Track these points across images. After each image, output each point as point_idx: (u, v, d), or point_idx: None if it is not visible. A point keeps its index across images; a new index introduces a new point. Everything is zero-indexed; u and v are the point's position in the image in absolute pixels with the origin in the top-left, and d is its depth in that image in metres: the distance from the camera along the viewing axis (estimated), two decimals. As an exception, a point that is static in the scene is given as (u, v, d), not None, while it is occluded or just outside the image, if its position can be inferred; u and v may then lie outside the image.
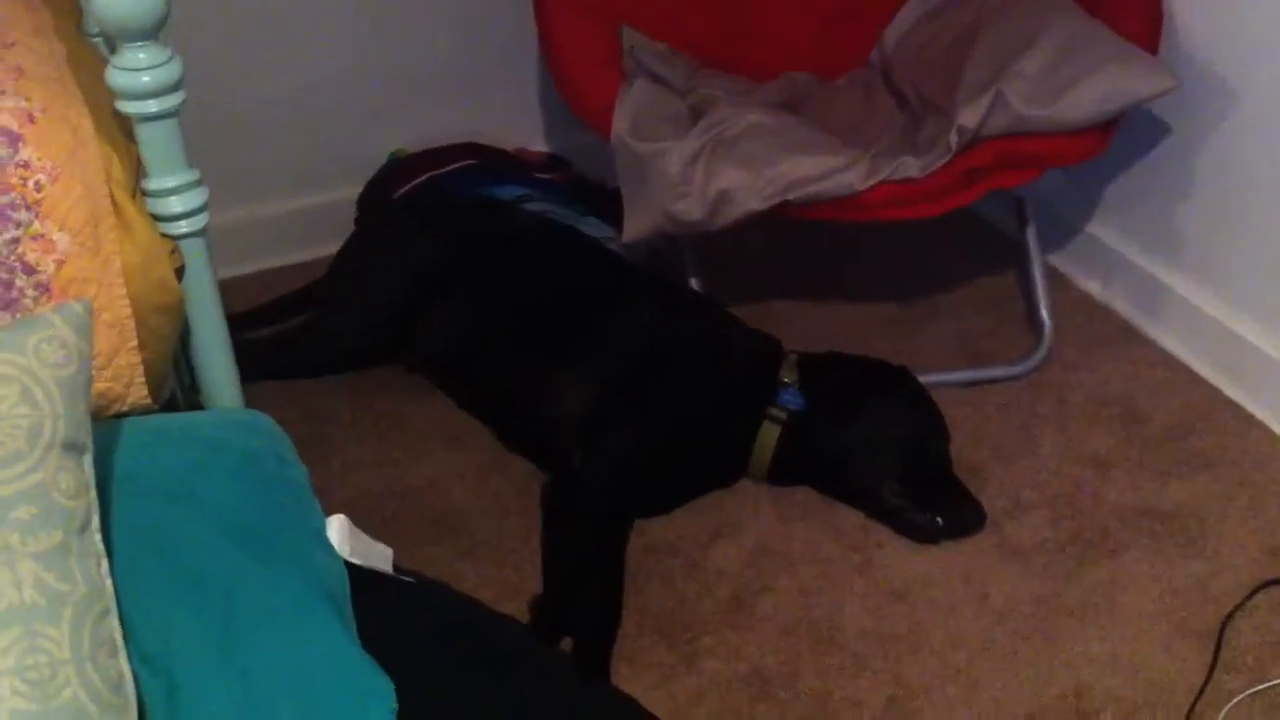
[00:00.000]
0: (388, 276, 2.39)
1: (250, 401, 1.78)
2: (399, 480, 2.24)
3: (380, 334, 2.38)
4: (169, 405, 1.67)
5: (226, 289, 1.73)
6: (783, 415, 2.16)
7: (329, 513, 1.45)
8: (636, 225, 2.28)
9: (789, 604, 2.01)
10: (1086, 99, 2.15)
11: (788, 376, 2.19)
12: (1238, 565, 2.05)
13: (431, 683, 1.30)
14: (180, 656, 1.23)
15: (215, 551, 1.31)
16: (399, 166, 2.70)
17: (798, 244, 2.67)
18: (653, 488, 2.16)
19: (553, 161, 2.84)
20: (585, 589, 1.99)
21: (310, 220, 2.73)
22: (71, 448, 1.18)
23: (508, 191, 2.61)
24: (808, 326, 2.52)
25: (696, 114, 2.34)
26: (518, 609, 1.96)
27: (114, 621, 1.17)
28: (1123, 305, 2.60)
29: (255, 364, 2.02)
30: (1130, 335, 2.55)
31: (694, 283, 2.45)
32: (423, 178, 2.63)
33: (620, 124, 2.27)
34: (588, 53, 2.38)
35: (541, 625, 1.94)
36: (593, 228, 2.57)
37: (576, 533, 2.06)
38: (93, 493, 1.20)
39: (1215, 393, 2.40)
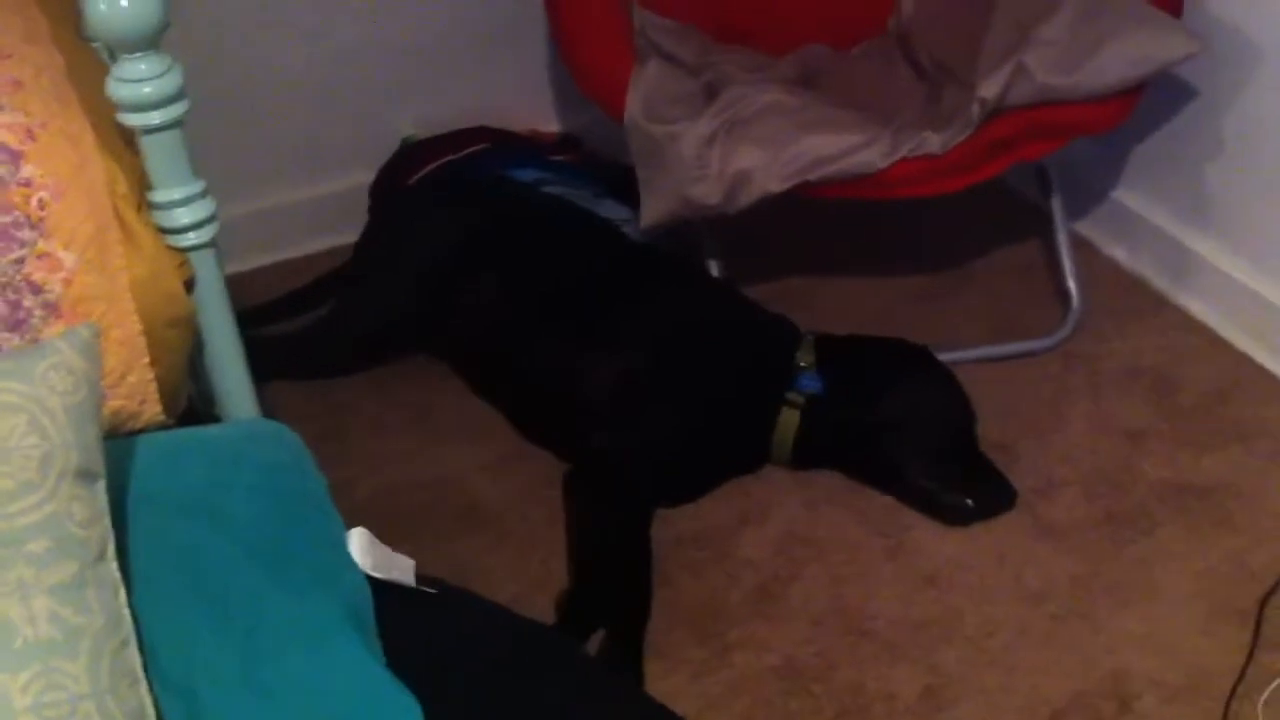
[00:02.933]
0: (408, 264, 2.36)
1: (271, 396, 1.76)
2: (423, 473, 2.22)
3: (405, 321, 2.35)
4: (187, 415, 1.65)
5: (234, 284, 1.68)
6: (801, 400, 2.12)
7: (352, 514, 1.42)
8: (654, 210, 2.25)
9: (819, 593, 1.98)
10: (1110, 66, 2.10)
11: (804, 360, 2.15)
12: (1275, 540, 2.01)
13: (458, 698, 1.28)
14: (202, 678, 1.21)
15: (236, 569, 1.29)
16: (411, 152, 2.66)
17: (818, 220, 2.63)
18: (674, 474, 2.13)
19: (565, 142, 2.80)
20: (613, 576, 1.98)
21: (315, 210, 2.68)
22: (84, 476, 1.16)
23: (523, 175, 2.58)
24: (831, 305, 2.48)
25: (711, 92, 2.29)
26: (546, 601, 1.95)
27: (133, 651, 1.15)
28: (1151, 272, 2.55)
29: (271, 364, 2.00)
30: (1159, 303, 2.50)
31: (713, 264, 2.40)
32: (437, 163, 2.60)
33: (634, 106, 2.23)
34: (599, 34, 2.33)
35: (571, 618, 1.92)
36: (609, 209, 2.53)
37: (601, 518, 2.05)
38: (107, 520, 1.18)
39: (1246, 360, 2.35)
